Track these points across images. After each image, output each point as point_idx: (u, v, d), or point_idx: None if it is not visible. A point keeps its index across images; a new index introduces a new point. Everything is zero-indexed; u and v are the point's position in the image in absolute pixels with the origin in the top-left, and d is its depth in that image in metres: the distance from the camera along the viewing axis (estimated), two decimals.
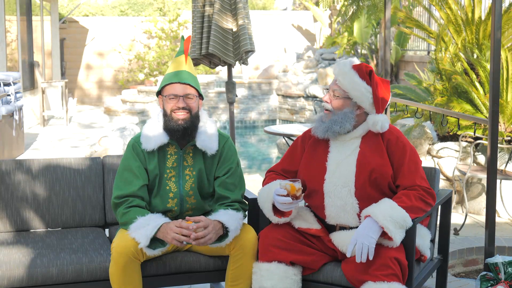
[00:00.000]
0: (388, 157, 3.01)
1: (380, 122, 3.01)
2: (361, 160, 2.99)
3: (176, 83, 3.10)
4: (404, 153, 3.00)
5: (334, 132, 3.02)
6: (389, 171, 2.98)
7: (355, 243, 2.80)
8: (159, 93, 3.18)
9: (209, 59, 5.30)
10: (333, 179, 3.02)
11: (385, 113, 5.43)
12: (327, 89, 3.10)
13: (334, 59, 14.85)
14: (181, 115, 3.09)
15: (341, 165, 3.02)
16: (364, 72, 3.02)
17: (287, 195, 2.95)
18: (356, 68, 3.03)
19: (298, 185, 2.96)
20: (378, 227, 2.79)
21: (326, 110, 3.06)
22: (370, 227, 2.79)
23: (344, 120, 3.00)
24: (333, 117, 3.02)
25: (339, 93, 3.02)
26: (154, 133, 3.13)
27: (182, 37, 3.23)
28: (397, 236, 2.80)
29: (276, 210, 3.06)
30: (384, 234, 2.82)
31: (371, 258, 2.77)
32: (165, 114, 3.13)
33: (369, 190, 2.97)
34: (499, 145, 5.36)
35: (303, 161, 3.15)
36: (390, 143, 3.02)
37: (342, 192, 2.99)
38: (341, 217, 3.03)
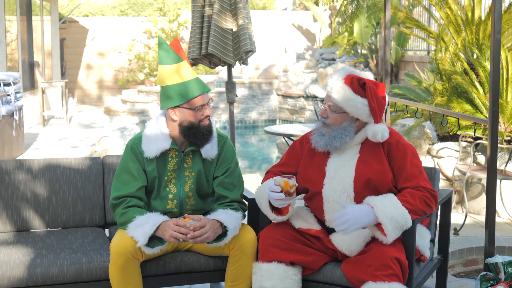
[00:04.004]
0: (389, 162, 3.00)
1: (380, 132, 2.97)
2: (360, 167, 2.98)
3: (202, 94, 3.07)
4: (405, 157, 2.98)
5: (334, 147, 3.01)
6: (389, 176, 2.97)
7: (343, 215, 2.80)
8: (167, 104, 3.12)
9: (209, 59, 5.30)
10: (332, 184, 3.01)
11: (385, 113, 5.44)
12: (323, 101, 3.06)
13: (334, 59, 14.86)
14: (207, 121, 3.12)
15: (340, 170, 3.01)
16: (357, 86, 2.96)
17: (281, 191, 2.95)
18: (349, 82, 2.97)
19: (292, 181, 2.96)
20: (375, 221, 2.79)
21: (324, 124, 3.03)
22: (367, 215, 2.79)
23: (343, 135, 2.98)
24: (332, 132, 3.00)
25: (335, 108, 2.99)
26: (155, 139, 3.11)
27: (160, 38, 3.09)
28: (393, 236, 2.80)
29: (273, 207, 3.06)
30: (379, 228, 2.82)
31: (340, 231, 2.80)
32: (190, 126, 3.07)
33: (368, 195, 2.96)
34: (499, 145, 5.36)
35: (302, 164, 3.14)
36: (390, 147, 3.01)
37: (341, 197, 2.98)
38: None
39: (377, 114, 2.97)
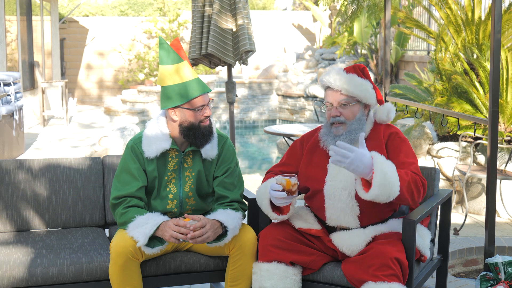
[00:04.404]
0: (387, 154, 3.01)
1: (391, 109, 3.07)
2: None
3: (202, 94, 3.07)
4: (401, 147, 3.00)
5: (357, 140, 2.99)
6: None
7: (350, 152, 2.71)
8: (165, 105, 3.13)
9: (209, 59, 5.30)
10: (333, 181, 3.01)
11: None
12: (328, 104, 3.03)
13: (334, 59, 14.86)
14: (208, 121, 3.11)
15: (342, 168, 3.01)
16: (360, 72, 3.05)
17: (283, 190, 2.95)
18: (352, 70, 3.04)
19: (294, 180, 2.96)
20: (367, 173, 2.72)
21: (338, 123, 3.01)
22: (365, 166, 2.71)
23: (362, 124, 3.01)
24: (349, 127, 3.00)
25: (347, 101, 3.00)
26: (156, 139, 3.11)
27: (160, 39, 3.10)
28: (375, 191, 2.71)
29: (274, 207, 3.06)
30: (365, 183, 2.78)
31: (333, 160, 2.73)
32: (190, 127, 3.07)
33: None
34: (499, 145, 5.36)
35: (302, 163, 3.15)
36: (389, 137, 3.04)
37: (343, 194, 2.98)
38: (342, 219, 3.03)
39: (380, 94, 3.06)
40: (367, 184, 2.79)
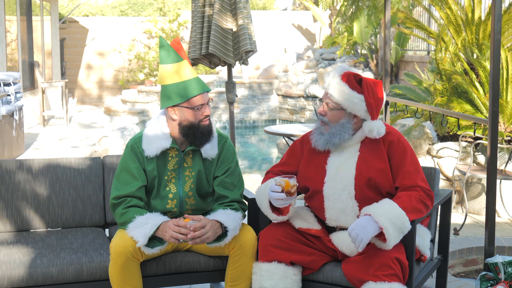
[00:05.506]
0: (388, 159, 3.00)
1: (376, 128, 2.99)
2: (361, 164, 2.99)
3: (201, 93, 3.07)
4: (405, 154, 3.00)
5: (334, 144, 3.01)
6: (390, 175, 2.98)
7: (351, 234, 2.78)
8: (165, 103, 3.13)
9: (209, 59, 5.30)
10: (332, 182, 3.01)
11: (385, 113, 5.44)
12: (321, 100, 3.07)
13: (334, 59, 14.86)
14: (207, 121, 3.11)
15: (341, 168, 3.02)
16: (353, 81, 2.99)
17: (282, 191, 2.95)
18: (345, 78, 3.00)
19: (293, 181, 2.96)
20: (377, 227, 2.78)
21: (322, 122, 3.05)
22: (368, 223, 2.78)
23: (342, 131, 3.00)
24: (331, 129, 3.01)
25: (333, 105, 3.01)
26: (156, 138, 3.11)
27: (160, 38, 3.10)
28: (393, 240, 2.78)
29: (274, 208, 3.07)
30: (379, 235, 2.81)
31: (360, 250, 2.78)
32: (190, 126, 3.07)
33: (369, 193, 2.97)
34: (499, 145, 5.36)
35: (302, 163, 3.15)
36: (391, 145, 3.02)
37: (342, 195, 2.99)
38: (341, 220, 3.03)
39: (373, 110, 3.00)
40: (380, 234, 2.81)
